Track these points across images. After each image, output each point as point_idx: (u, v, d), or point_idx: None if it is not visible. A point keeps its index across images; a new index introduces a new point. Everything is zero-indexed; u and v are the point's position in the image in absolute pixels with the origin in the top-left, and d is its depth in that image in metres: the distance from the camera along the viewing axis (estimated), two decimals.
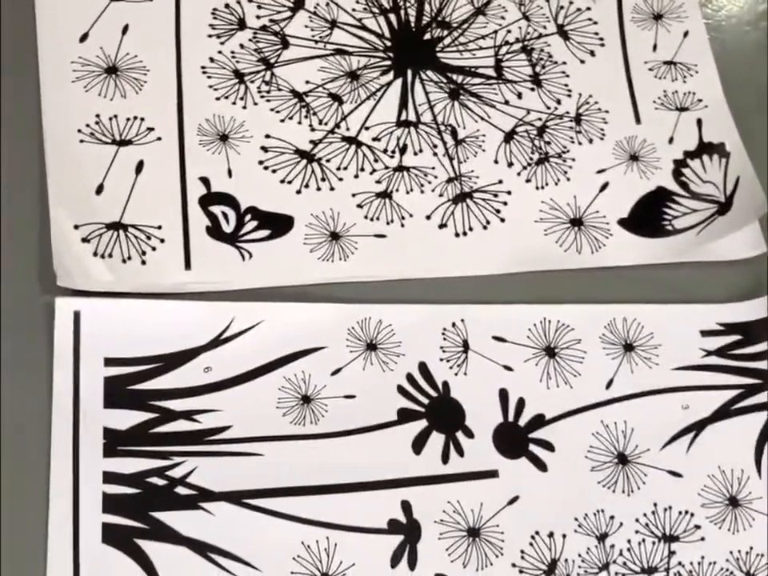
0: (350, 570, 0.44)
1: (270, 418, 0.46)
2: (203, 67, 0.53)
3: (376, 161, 0.53)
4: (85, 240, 0.47)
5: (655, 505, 0.47)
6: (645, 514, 0.46)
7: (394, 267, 0.50)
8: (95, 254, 0.47)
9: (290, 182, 0.51)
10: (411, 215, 0.52)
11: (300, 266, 0.49)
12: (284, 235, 0.50)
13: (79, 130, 0.50)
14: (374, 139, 0.53)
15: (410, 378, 0.48)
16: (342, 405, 0.47)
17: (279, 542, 0.44)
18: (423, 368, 0.48)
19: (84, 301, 0.46)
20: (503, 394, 0.48)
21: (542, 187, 0.53)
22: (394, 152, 0.53)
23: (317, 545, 0.44)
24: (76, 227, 0.48)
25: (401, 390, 0.48)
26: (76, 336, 0.46)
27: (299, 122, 0.53)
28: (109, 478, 0.44)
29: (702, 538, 0.46)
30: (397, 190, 0.52)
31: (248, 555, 0.43)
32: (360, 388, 0.47)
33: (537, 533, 0.46)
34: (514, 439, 0.47)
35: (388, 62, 0.55)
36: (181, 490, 0.44)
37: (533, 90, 0.56)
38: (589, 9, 0.59)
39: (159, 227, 0.49)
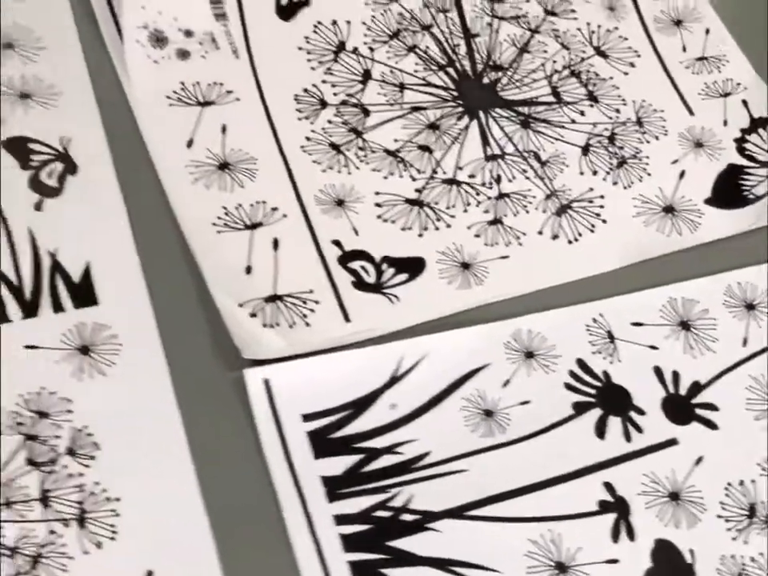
0: (578, 553, 0.47)
1: (462, 437, 0.49)
2: (302, 147, 0.57)
3: (478, 194, 0.57)
4: (252, 315, 0.51)
5: None
6: None
7: (524, 281, 0.54)
8: (264, 326, 0.51)
9: (410, 228, 0.55)
10: (525, 234, 0.56)
11: (443, 298, 0.53)
12: (420, 275, 0.54)
13: (213, 223, 0.54)
14: (470, 176, 0.57)
15: (572, 374, 0.52)
16: (521, 411, 0.50)
17: (508, 544, 0.47)
18: (581, 363, 0.52)
19: (269, 368, 0.49)
20: (658, 371, 0.52)
21: (629, 186, 0.58)
22: (491, 183, 0.57)
23: (542, 538, 0.47)
24: (240, 305, 0.51)
25: (568, 386, 0.51)
26: (270, 400, 0.49)
27: (400, 176, 0.57)
28: (340, 520, 0.46)
29: None
30: (505, 215, 0.56)
31: (484, 561, 0.46)
32: (532, 393, 0.51)
33: (729, 484, 0.49)
34: (681, 408, 0.51)
35: (460, 109, 0.60)
36: (406, 517, 0.47)
37: (591, 106, 0.61)
38: (617, 28, 0.65)
39: (311, 291, 0.52)
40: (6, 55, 0.57)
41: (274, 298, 0.52)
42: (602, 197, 0.58)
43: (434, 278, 0.54)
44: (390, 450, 0.48)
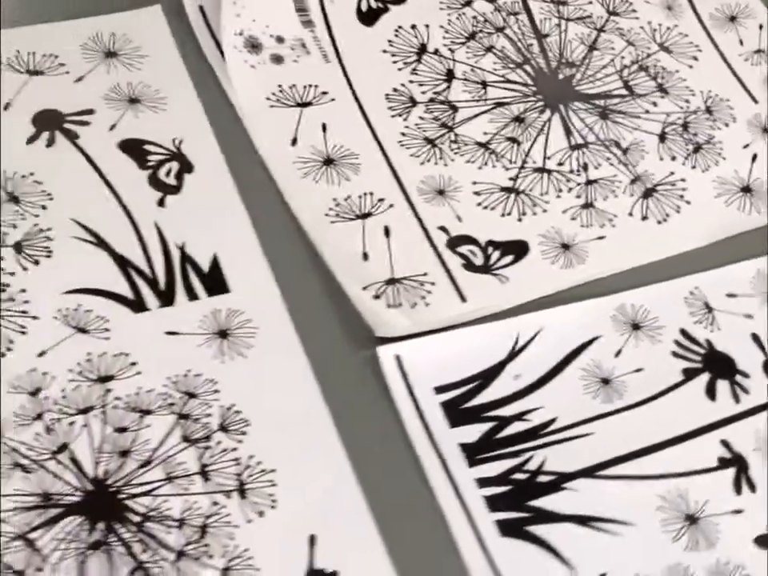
0: (706, 505, 0.49)
1: (584, 403, 0.52)
2: (399, 141, 0.60)
3: (568, 181, 0.60)
4: (376, 297, 0.53)
5: None
6: None
7: (621, 259, 0.57)
8: (389, 306, 0.53)
9: (509, 214, 0.58)
10: (616, 216, 0.59)
11: (548, 277, 0.56)
12: (525, 257, 0.57)
13: (326, 214, 0.56)
14: (558, 164, 0.61)
15: (678, 343, 0.54)
16: (635, 378, 0.53)
17: (640, 499, 0.49)
18: (684, 333, 0.55)
19: (399, 345, 0.52)
20: (755, 337, 0.55)
21: (706, 170, 0.61)
22: (578, 171, 0.60)
23: (669, 493, 0.49)
24: (364, 289, 0.53)
25: (675, 354, 0.54)
26: (403, 375, 0.51)
27: (493, 166, 0.60)
28: (481, 483, 0.49)
29: None
30: (595, 200, 0.59)
31: (620, 516, 0.48)
32: (642, 362, 0.53)
33: None
34: None
35: (541, 103, 0.63)
36: (542, 478, 0.49)
37: (662, 97, 0.65)
38: (676, 26, 0.68)
39: (425, 274, 0.55)
40: (110, 63, 0.60)
41: (393, 281, 0.54)
42: (683, 180, 0.61)
43: (538, 259, 0.57)
44: (518, 417, 0.51)
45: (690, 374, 0.53)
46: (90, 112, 0.58)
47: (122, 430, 0.47)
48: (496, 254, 0.56)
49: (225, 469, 0.47)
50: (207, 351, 0.50)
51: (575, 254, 0.57)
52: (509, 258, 0.56)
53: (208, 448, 0.47)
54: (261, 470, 0.47)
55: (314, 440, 0.48)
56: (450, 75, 0.64)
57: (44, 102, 0.57)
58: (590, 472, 0.50)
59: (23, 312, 0.50)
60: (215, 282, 0.52)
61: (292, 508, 0.46)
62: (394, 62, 0.63)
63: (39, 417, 0.47)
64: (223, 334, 0.51)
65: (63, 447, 0.46)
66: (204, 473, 0.47)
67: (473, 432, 0.50)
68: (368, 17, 0.65)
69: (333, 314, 0.53)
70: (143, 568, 0.44)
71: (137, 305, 0.51)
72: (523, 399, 0.52)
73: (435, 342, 0.52)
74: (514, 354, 0.53)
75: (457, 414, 0.51)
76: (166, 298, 0.52)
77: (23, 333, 0.49)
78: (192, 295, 0.52)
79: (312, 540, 0.45)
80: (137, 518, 0.45)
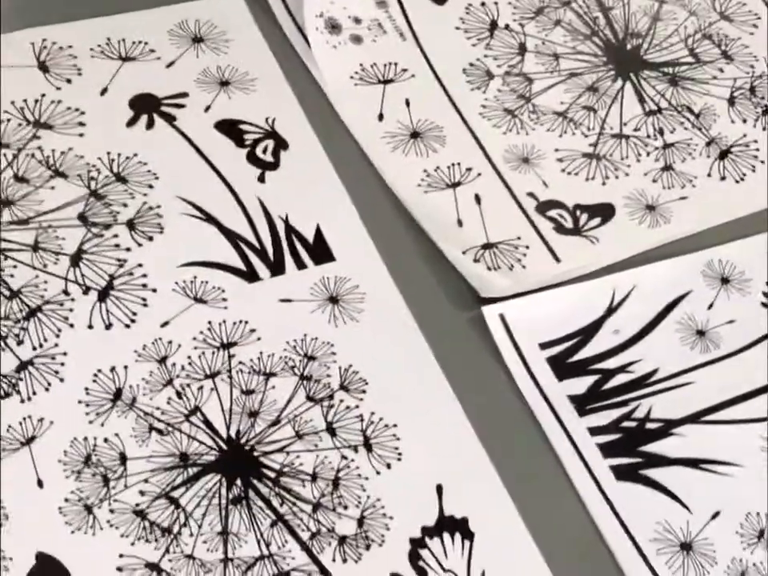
0: None
1: (682, 354, 0.54)
2: (480, 113, 0.62)
3: (646, 145, 0.62)
4: (475, 261, 0.55)
5: None
6: None
7: (704, 218, 0.59)
8: (488, 269, 0.55)
9: (593, 179, 0.60)
10: (696, 177, 0.61)
11: (637, 237, 0.58)
12: (612, 218, 0.58)
13: (418, 185, 0.58)
14: (635, 130, 0.62)
15: (766, 294, 0.56)
16: (728, 329, 0.55)
17: (745, 442, 0.51)
18: None
19: (502, 305, 0.54)
20: None
21: None
22: (655, 135, 0.62)
23: None
24: (464, 253, 0.55)
25: (764, 305, 0.56)
26: (509, 333, 0.53)
27: (573, 134, 0.62)
28: (593, 431, 0.50)
29: None
30: (674, 162, 0.61)
31: (728, 458, 0.50)
32: (734, 313, 0.55)
33: None
34: None
35: (612, 72, 0.65)
36: (650, 426, 0.51)
37: (728, 63, 0.67)
38: None
39: (519, 238, 0.57)
40: (198, 48, 0.62)
41: (488, 246, 0.56)
42: (755, 141, 0.63)
43: (625, 220, 0.58)
44: (622, 369, 0.53)
45: None
46: (184, 95, 0.59)
47: (249, 392, 0.49)
48: (584, 217, 0.58)
49: (350, 425, 0.49)
50: (321, 317, 0.52)
51: (660, 214, 0.59)
52: (597, 220, 0.58)
53: (332, 407, 0.49)
54: (384, 425, 0.49)
55: (429, 396, 0.50)
56: (522, 49, 0.65)
57: (139, 86, 0.59)
58: (695, 418, 0.51)
59: (143, 285, 0.52)
60: (320, 251, 0.54)
61: (417, 460, 0.48)
62: (468, 38, 0.65)
63: (169, 383, 0.49)
64: (334, 300, 0.53)
65: (195, 410, 0.48)
66: (331, 429, 0.48)
67: (580, 384, 0.52)
68: None
69: (434, 278, 0.55)
70: (283, 520, 0.45)
71: (249, 275, 0.53)
72: (624, 352, 0.53)
73: (536, 301, 0.54)
74: (611, 310, 0.55)
75: (563, 368, 0.52)
76: (276, 267, 0.53)
77: (145, 305, 0.51)
78: (300, 264, 0.54)
79: (439, 489, 0.47)
80: (272, 474, 0.47)
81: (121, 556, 0.43)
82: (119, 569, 0.43)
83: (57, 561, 0.43)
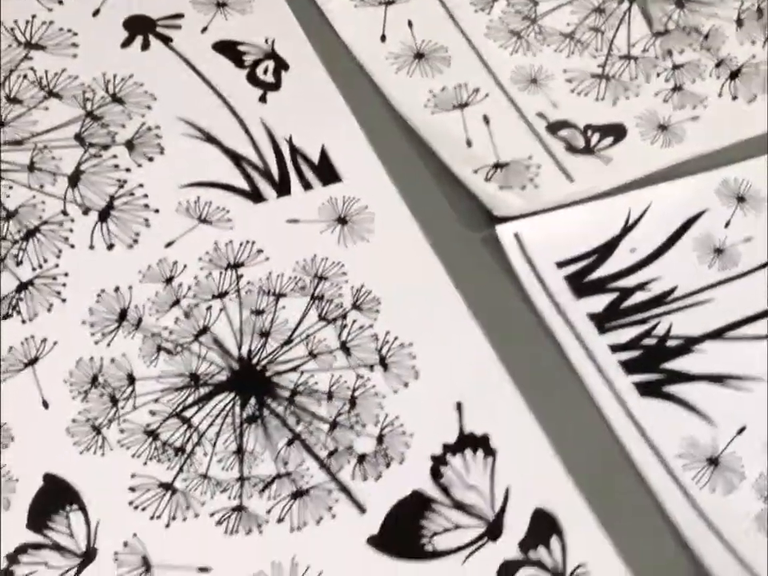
0: None
1: (699, 273, 0.52)
2: (485, 34, 0.60)
3: (655, 66, 0.60)
4: (487, 180, 0.54)
5: None
6: None
7: (717, 137, 0.57)
8: (500, 188, 0.53)
9: (602, 99, 0.58)
10: (707, 97, 0.59)
11: (649, 157, 0.56)
12: (624, 138, 0.57)
13: (425, 105, 0.56)
14: (643, 51, 0.61)
15: None
16: (746, 247, 0.53)
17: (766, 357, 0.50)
18: None
19: (516, 224, 0.52)
20: None
21: None
22: (664, 56, 0.61)
23: None
24: (475, 172, 0.54)
25: None
26: (524, 252, 0.51)
27: (580, 55, 0.60)
28: (614, 349, 0.49)
29: None
30: (684, 83, 0.60)
31: (752, 373, 0.49)
32: (751, 231, 0.54)
33: None
34: None
35: None
36: (671, 343, 0.50)
37: None
38: None
39: (530, 157, 0.55)
40: None
41: (499, 165, 0.54)
42: (765, 62, 0.61)
43: (637, 139, 0.57)
44: (640, 287, 0.51)
45: None
46: (179, 16, 0.57)
47: (259, 312, 0.47)
48: (596, 137, 0.57)
49: (364, 344, 0.47)
50: (330, 237, 0.50)
51: (672, 134, 0.57)
52: (609, 140, 0.57)
53: (345, 326, 0.47)
54: (399, 344, 0.47)
55: (445, 315, 0.49)
56: None
57: (132, 8, 0.57)
58: (716, 335, 0.50)
59: (145, 206, 0.50)
60: (327, 171, 0.52)
61: (434, 378, 0.47)
62: None
63: (176, 303, 0.47)
64: (342, 220, 0.51)
65: (204, 330, 0.46)
66: (345, 348, 0.47)
67: (598, 302, 0.51)
68: None
69: (444, 198, 0.53)
70: (300, 439, 0.44)
71: (254, 196, 0.51)
72: (642, 271, 0.52)
73: (551, 220, 0.53)
74: (627, 229, 0.53)
75: (580, 286, 0.51)
76: (282, 188, 0.52)
77: (147, 226, 0.49)
78: (306, 185, 0.52)
79: (459, 406, 0.46)
80: (286, 393, 0.45)
81: (133, 476, 0.42)
82: (132, 489, 0.41)
83: (65, 481, 0.41)
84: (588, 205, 0.54)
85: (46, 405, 0.43)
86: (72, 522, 0.40)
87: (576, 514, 0.43)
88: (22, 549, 0.39)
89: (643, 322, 0.50)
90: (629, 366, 0.49)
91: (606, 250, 0.52)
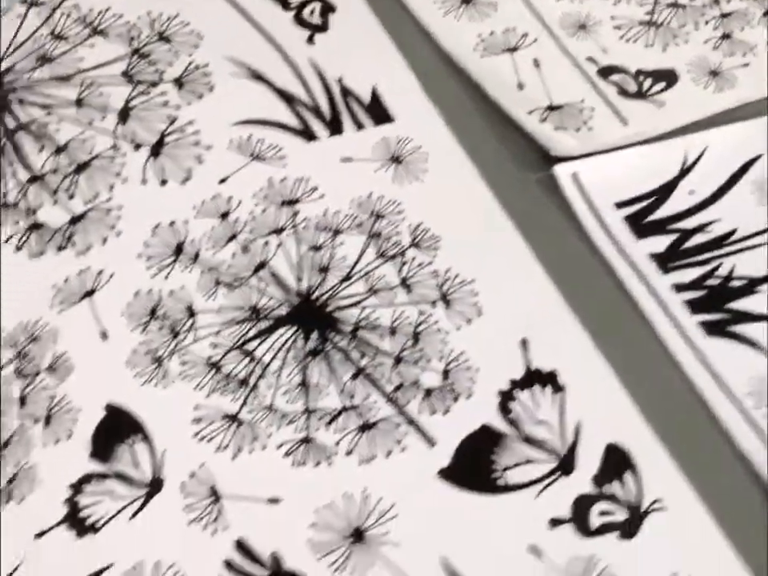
0: None
1: (759, 215, 0.51)
2: None
3: (702, 14, 0.59)
4: (542, 121, 0.52)
5: None
6: None
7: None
8: (556, 129, 0.52)
9: (652, 45, 0.57)
10: (756, 45, 0.58)
11: (702, 102, 0.55)
12: (677, 83, 0.56)
13: (474, 49, 0.55)
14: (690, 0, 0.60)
15: None
16: None
17: None
18: None
19: (574, 164, 0.51)
20: None
21: None
22: (711, 5, 0.60)
23: None
24: (529, 113, 0.53)
25: None
26: (582, 192, 0.50)
27: (627, 3, 0.59)
28: (678, 288, 0.48)
29: None
30: (732, 31, 0.59)
31: None
32: None
33: None
34: None
35: None
36: (734, 283, 0.49)
37: None
38: None
39: (582, 101, 0.54)
40: None
41: (553, 108, 0.53)
42: None
43: (690, 85, 0.56)
44: (700, 229, 0.50)
45: None
46: None
47: (317, 248, 0.46)
48: (648, 81, 0.56)
49: (425, 281, 0.46)
50: (385, 176, 0.49)
51: (725, 80, 0.56)
52: (661, 85, 0.56)
53: (404, 263, 0.46)
54: (460, 281, 0.46)
55: (505, 253, 0.48)
56: None
57: None
58: None
59: (196, 143, 0.48)
60: (379, 112, 0.51)
61: (497, 315, 0.45)
62: None
63: (233, 238, 0.46)
64: (396, 159, 0.50)
65: (262, 265, 0.45)
66: (405, 285, 0.46)
67: (659, 243, 0.50)
68: None
69: (497, 139, 0.52)
70: (365, 373, 0.43)
71: (307, 134, 0.50)
72: (701, 213, 0.51)
73: (608, 161, 0.52)
74: (685, 172, 0.52)
75: (640, 227, 0.50)
76: (334, 127, 0.50)
77: (200, 162, 0.48)
78: (358, 125, 0.51)
79: (524, 343, 0.45)
80: (349, 328, 0.44)
81: (197, 408, 0.40)
82: (196, 420, 0.40)
83: (128, 412, 0.40)
84: (644, 147, 0.53)
85: (104, 336, 0.42)
86: (137, 453, 0.39)
87: (648, 449, 0.42)
88: (86, 479, 0.38)
89: (705, 262, 0.49)
90: (693, 306, 0.47)
91: (664, 192, 0.51)
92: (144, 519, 0.37)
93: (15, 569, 0.36)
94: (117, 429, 0.39)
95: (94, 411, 0.40)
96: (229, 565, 0.37)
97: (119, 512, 0.37)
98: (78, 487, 0.38)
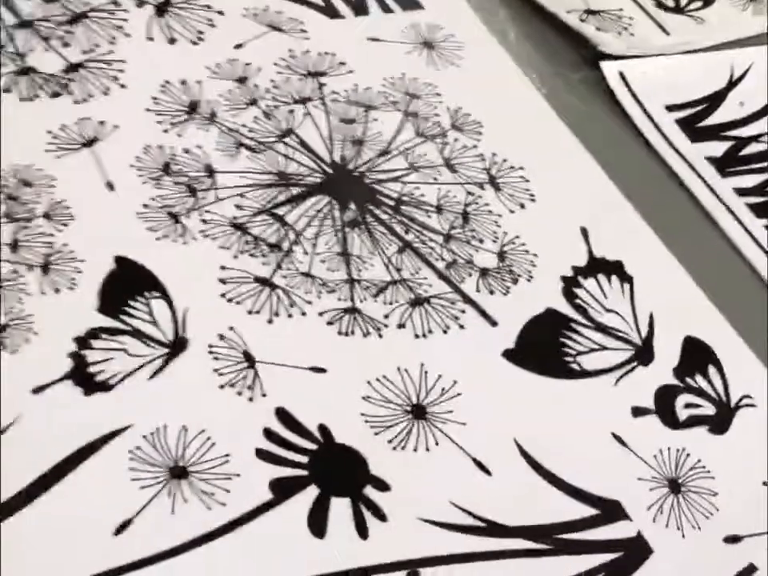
0: None
1: None
2: None
3: None
4: (582, 20, 0.48)
5: None
6: None
7: None
8: (598, 29, 0.48)
9: None
10: None
11: (742, 21, 0.52)
12: (714, 2, 0.52)
13: None
14: None
15: None
16: None
17: None
18: None
19: (621, 63, 0.47)
20: None
21: None
22: None
23: None
24: (568, 12, 0.48)
25: None
26: (630, 91, 0.46)
27: None
28: (740, 192, 0.44)
29: None
30: None
31: None
32: None
33: None
34: None
35: None
36: None
37: None
38: None
39: (621, 9, 0.50)
40: None
41: (592, 12, 0.49)
42: None
43: (727, 5, 0.52)
44: (755, 138, 0.46)
45: None
46: None
47: (349, 121, 0.40)
48: None
49: (470, 163, 0.41)
50: (418, 59, 0.44)
51: (762, 3, 0.53)
52: (699, 3, 0.52)
53: (446, 144, 0.41)
54: (509, 167, 0.41)
55: (553, 143, 0.43)
56: None
57: None
58: None
59: (207, 6, 0.43)
60: None
61: (552, 203, 0.40)
62: None
63: (253, 103, 0.40)
64: (429, 45, 0.45)
65: (288, 132, 0.39)
66: (449, 165, 0.40)
67: (715, 148, 0.45)
68: None
69: (533, 37, 0.47)
70: (411, 247, 0.37)
71: (330, 11, 0.44)
72: (754, 123, 0.47)
73: (655, 65, 0.47)
74: (733, 83, 0.48)
75: (694, 131, 0.45)
76: (359, 7, 0.45)
77: (212, 26, 0.42)
78: (385, 8, 0.46)
79: (584, 231, 0.39)
80: (390, 202, 0.38)
81: (223, 268, 0.34)
82: (222, 281, 0.34)
83: (144, 267, 0.33)
84: (691, 56, 0.49)
85: (111, 186, 0.35)
86: (154, 309, 0.32)
87: (731, 345, 0.37)
88: (93, 333, 0.31)
89: (764, 170, 0.45)
90: (759, 210, 0.43)
91: (715, 100, 0.47)
92: (166, 380, 0.30)
93: (9, 425, 0.29)
94: (129, 283, 0.33)
95: (101, 263, 0.33)
96: (269, 434, 0.30)
97: (135, 370, 0.31)
98: (84, 341, 0.31)
